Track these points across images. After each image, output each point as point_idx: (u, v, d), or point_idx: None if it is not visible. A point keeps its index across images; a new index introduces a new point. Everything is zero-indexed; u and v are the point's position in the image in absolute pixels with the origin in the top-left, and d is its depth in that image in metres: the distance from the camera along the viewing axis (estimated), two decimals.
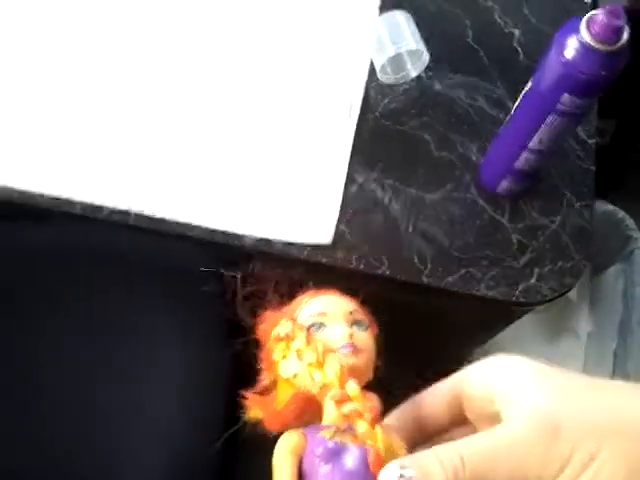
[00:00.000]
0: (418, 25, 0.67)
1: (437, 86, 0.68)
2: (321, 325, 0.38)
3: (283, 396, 0.39)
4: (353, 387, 0.36)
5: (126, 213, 0.59)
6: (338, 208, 0.61)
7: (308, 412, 0.39)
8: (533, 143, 0.54)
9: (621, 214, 1.01)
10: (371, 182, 0.63)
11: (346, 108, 0.65)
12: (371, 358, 0.39)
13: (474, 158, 0.64)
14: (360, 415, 0.36)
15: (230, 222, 0.59)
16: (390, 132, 0.65)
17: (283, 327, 0.39)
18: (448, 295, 0.60)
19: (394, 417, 0.38)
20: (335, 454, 0.35)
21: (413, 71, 0.67)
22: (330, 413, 0.37)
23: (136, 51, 0.66)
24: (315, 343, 0.37)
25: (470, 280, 0.59)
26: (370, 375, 0.39)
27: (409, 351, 0.60)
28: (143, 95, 0.64)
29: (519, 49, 0.71)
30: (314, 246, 0.59)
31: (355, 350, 0.37)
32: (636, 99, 1.05)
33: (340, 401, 0.36)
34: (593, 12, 0.45)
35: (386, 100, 0.67)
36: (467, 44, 0.71)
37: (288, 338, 0.39)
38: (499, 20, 0.72)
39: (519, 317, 0.68)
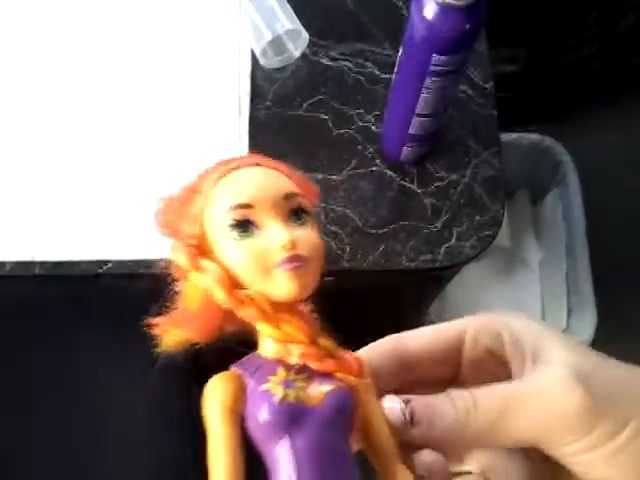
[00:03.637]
0: (295, 1, 0.65)
1: (324, 60, 0.66)
2: (246, 225, 0.28)
3: (194, 296, 0.30)
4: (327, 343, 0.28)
5: (31, 263, 0.57)
6: None
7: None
8: (420, 107, 0.53)
9: (548, 141, 1.01)
10: None
11: (235, 104, 0.63)
12: (319, 261, 0.29)
13: (374, 128, 0.63)
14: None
15: (139, 249, 0.58)
16: (285, 119, 0.63)
17: (177, 256, 0.28)
18: (373, 274, 0.59)
19: (371, 352, 0.31)
20: (289, 421, 0.25)
21: (295, 51, 0.65)
22: (268, 344, 0.28)
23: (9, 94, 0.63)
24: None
25: (391, 255, 0.59)
26: (318, 280, 0.29)
27: (350, 341, 0.60)
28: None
29: (400, 4, 0.69)
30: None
31: (300, 263, 0.27)
32: (542, 24, 1.04)
33: (311, 359, 0.27)
34: None
35: (275, 86, 0.64)
36: (348, 10, 0.68)
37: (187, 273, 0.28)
38: None
39: (451, 277, 0.68)
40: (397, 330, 0.33)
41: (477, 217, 0.60)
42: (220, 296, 0.27)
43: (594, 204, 1.01)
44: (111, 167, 0.60)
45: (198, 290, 0.29)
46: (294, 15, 0.63)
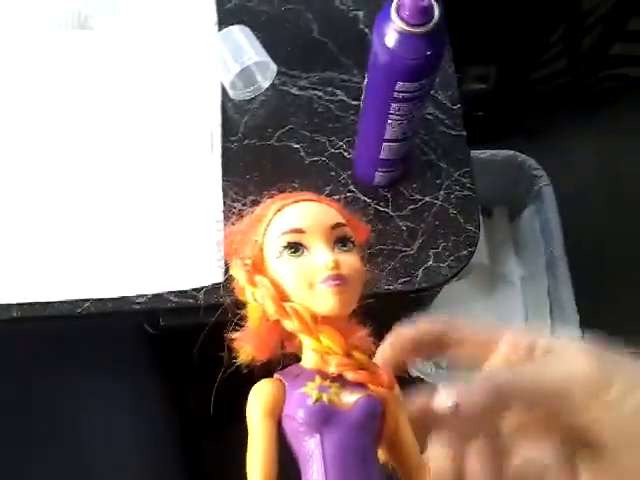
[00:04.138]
0: (261, 32, 0.65)
1: (293, 90, 0.66)
2: (297, 247, 0.32)
3: (255, 315, 0.34)
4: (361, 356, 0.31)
5: (6, 306, 0.56)
6: (222, 242, 0.59)
7: (291, 333, 0.33)
8: (388, 133, 0.53)
9: (522, 157, 1.02)
10: (250, 208, 0.61)
11: (207, 139, 0.63)
12: (359, 284, 0.33)
13: (346, 154, 0.63)
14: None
15: (116, 287, 0.57)
16: (257, 150, 0.64)
17: (237, 273, 0.33)
18: None
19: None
20: (322, 422, 0.29)
21: (264, 82, 0.65)
22: (310, 355, 0.32)
23: None
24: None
25: (369, 280, 0.58)
26: (357, 301, 0.33)
27: None
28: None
29: (367, 30, 0.70)
30: (208, 288, 0.57)
31: (341, 282, 0.31)
32: (510, 42, 1.06)
33: (347, 370, 0.31)
34: None
35: (246, 118, 0.65)
36: (314, 39, 0.69)
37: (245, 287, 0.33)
38: (341, 6, 0.71)
39: (432, 298, 0.68)
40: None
41: (453, 238, 0.61)
42: (270, 308, 0.31)
43: (570, 218, 1.01)
44: (84, 202, 0.60)
45: (257, 311, 0.33)
46: (261, 47, 0.64)
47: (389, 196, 0.62)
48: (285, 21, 0.69)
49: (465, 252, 0.60)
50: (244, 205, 0.61)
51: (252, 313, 0.35)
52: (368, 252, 0.59)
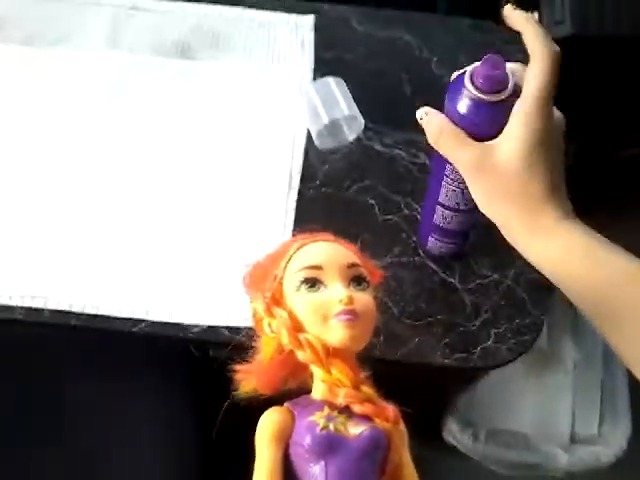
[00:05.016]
0: (354, 84, 0.66)
1: (377, 146, 0.67)
2: (314, 282, 0.34)
3: (268, 348, 0.36)
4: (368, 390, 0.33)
5: (68, 313, 0.58)
6: None
7: (298, 368, 0.35)
8: (442, 196, 0.52)
9: None
10: None
11: (286, 180, 0.64)
12: (371, 321, 0.35)
13: (419, 218, 0.63)
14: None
15: (174, 313, 0.58)
16: (332, 199, 0.64)
17: (256, 304, 0.36)
18: (404, 366, 0.58)
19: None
20: (327, 449, 0.30)
21: (350, 135, 0.66)
22: (320, 387, 0.34)
23: (76, 153, 0.65)
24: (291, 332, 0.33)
25: (425, 349, 0.57)
26: (368, 340, 0.36)
27: None
28: (80, 192, 0.63)
29: None
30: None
31: (354, 317, 0.33)
32: (594, 120, 1.04)
33: (354, 402, 0.32)
34: (476, 64, 0.45)
35: (326, 166, 0.65)
36: (405, 99, 0.69)
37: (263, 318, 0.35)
38: (436, 70, 0.71)
39: (482, 377, 0.66)
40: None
41: (517, 320, 0.59)
42: (284, 338, 0.33)
43: None
44: (160, 225, 0.61)
45: (270, 345, 0.35)
46: (352, 100, 0.64)
47: (457, 267, 0.61)
48: (380, 77, 0.70)
49: (527, 337, 0.58)
50: None
51: (266, 346, 0.37)
52: (428, 320, 0.59)
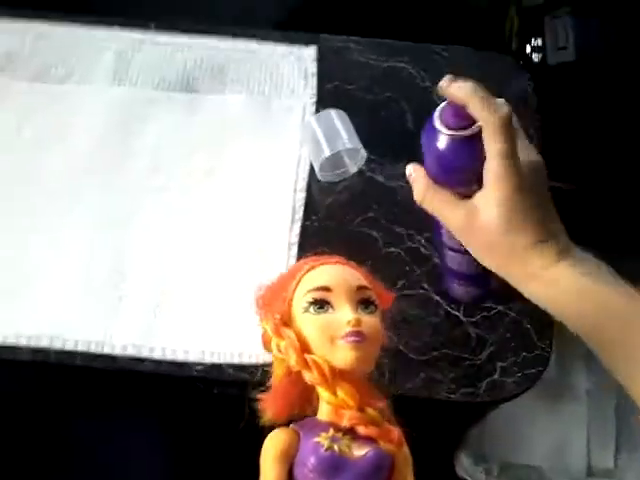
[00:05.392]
0: (356, 116, 0.66)
1: (379, 178, 0.66)
2: (323, 304, 0.34)
3: (278, 370, 0.37)
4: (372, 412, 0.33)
5: (72, 353, 0.57)
6: None
7: (308, 392, 0.36)
8: (445, 237, 0.52)
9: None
10: None
11: (289, 214, 0.63)
12: (378, 344, 0.36)
13: (423, 250, 0.62)
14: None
15: (178, 350, 0.57)
16: (335, 232, 0.64)
17: (265, 325, 0.37)
18: (410, 401, 0.57)
19: None
20: (331, 469, 0.30)
21: (353, 167, 0.66)
22: (326, 408, 0.34)
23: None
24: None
25: (430, 384, 0.57)
26: (375, 361, 0.36)
27: None
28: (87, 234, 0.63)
29: None
30: (267, 366, 0.57)
31: (361, 339, 0.33)
32: (590, 164, 1.04)
33: (359, 424, 0.33)
34: (444, 103, 0.46)
35: (329, 199, 0.65)
36: (407, 130, 0.69)
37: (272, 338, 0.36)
38: (438, 100, 0.71)
39: (491, 410, 0.65)
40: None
41: (523, 353, 0.58)
42: (292, 358, 0.33)
43: None
44: (168, 268, 0.61)
45: (281, 367, 0.36)
46: (355, 133, 0.65)
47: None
48: (382, 108, 0.70)
49: (534, 370, 0.57)
50: None
51: (277, 369, 0.38)
52: (433, 354, 0.58)
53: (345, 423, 0.32)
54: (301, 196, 0.65)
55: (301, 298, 0.35)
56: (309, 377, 0.33)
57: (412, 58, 0.73)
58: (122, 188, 0.65)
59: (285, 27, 0.74)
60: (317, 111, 0.68)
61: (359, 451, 0.32)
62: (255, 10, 0.98)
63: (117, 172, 0.66)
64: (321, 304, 0.34)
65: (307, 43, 0.73)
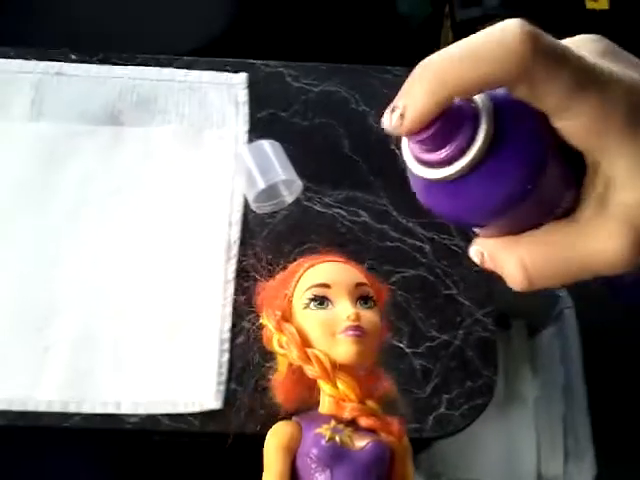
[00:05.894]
0: (291, 144, 0.65)
1: (317, 207, 0.65)
2: (323, 300, 0.35)
3: (282, 366, 0.38)
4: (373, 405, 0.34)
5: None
6: (225, 365, 0.56)
7: (310, 387, 0.36)
8: None
9: None
10: (259, 328, 0.59)
11: (223, 250, 0.61)
12: (377, 338, 0.36)
13: None
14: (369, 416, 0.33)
15: (109, 403, 0.54)
16: (273, 265, 0.62)
17: (267, 321, 0.37)
18: None
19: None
20: (333, 459, 0.31)
21: (289, 197, 0.64)
22: (327, 401, 0.35)
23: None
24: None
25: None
26: (376, 355, 0.36)
27: None
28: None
29: (399, 152, 0.69)
30: (205, 414, 0.54)
31: (360, 333, 0.34)
32: None
33: (360, 416, 0.33)
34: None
35: (265, 231, 0.63)
36: (344, 156, 0.68)
37: (272, 334, 0.37)
38: (374, 124, 0.70)
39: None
40: None
41: (468, 383, 0.57)
42: (293, 353, 0.34)
43: (592, 342, 0.98)
44: (97, 313, 0.58)
45: (285, 363, 0.37)
46: (289, 163, 0.63)
47: (406, 329, 0.59)
48: (317, 134, 0.69)
49: (480, 401, 0.57)
50: (253, 324, 0.59)
51: (280, 365, 0.38)
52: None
53: (346, 415, 0.33)
54: (236, 229, 0.62)
55: (301, 295, 0.36)
56: (310, 371, 0.34)
57: (346, 81, 0.72)
58: (46, 228, 0.61)
59: (209, 54, 0.72)
60: (250, 140, 0.66)
61: (360, 442, 0.32)
62: (176, 38, 0.96)
63: (40, 211, 0.62)
64: (321, 300, 0.35)
65: (236, 70, 0.71)
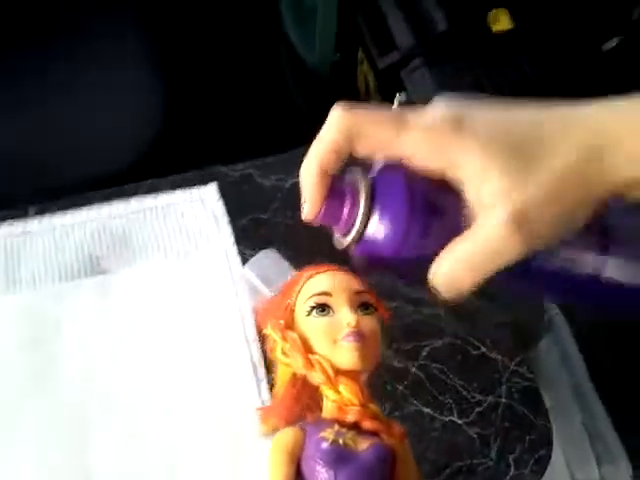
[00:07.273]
0: (282, 245, 0.64)
1: None
2: (324, 308, 0.36)
3: (282, 379, 0.39)
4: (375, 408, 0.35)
5: None
6: None
7: (312, 393, 0.37)
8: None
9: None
10: None
11: (250, 374, 0.59)
12: (377, 345, 0.37)
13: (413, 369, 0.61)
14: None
15: None
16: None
17: (271, 331, 0.38)
18: None
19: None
20: (337, 460, 0.32)
21: None
22: (330, 406, 0.35)
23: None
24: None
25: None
26: (376, 362, 0.37)
27: None
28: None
29: None
30: None
31: (361, 339, 0.35)
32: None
33: (362, 419, 0.34)
34: None
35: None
36: (331, 245, 0.68)
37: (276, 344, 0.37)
38: None
39: None
40: None
41: (527, 437, 0.58)
42: (297, 360, 0.35)
43: (590, 342, 1.01)
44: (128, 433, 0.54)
45: (286, 373, 0.38)
46: (288, 267, 0.62)
47: (451, 402, 0.59)
48: (302, 230, 0.68)
49: (543, 451, 0.57)
50: None
51: (282, 375, 0.39)
52: (446, 472, 0.56)
53: (349, 418, 0.34)
54: (257, 349, 0.60)
55: (303, 304, 0.37)
56: (314, 378, 0.35)
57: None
58: (57, 406, 0.57)
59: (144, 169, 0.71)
60: (240, 252, 0.65)
61: (363, 444, 0.33)
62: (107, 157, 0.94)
63: (48, 391, 0.57)
64: (322, 308, 0.36)
65: (204, 181, 0.69)
